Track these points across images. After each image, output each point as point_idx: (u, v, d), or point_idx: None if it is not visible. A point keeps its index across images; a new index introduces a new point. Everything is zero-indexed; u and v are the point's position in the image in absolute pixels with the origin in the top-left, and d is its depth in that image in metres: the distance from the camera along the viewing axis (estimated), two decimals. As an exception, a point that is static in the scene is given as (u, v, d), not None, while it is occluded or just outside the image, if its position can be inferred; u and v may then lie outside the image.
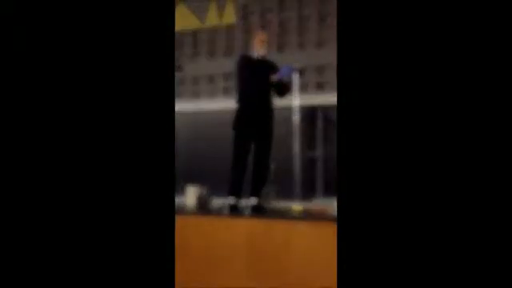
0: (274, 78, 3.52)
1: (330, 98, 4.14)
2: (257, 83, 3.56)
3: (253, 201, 3.52)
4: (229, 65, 4.19)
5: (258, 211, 3.43)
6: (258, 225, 3.07)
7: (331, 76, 4.17)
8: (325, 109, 4.13)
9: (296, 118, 3.60)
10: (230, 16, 4.66)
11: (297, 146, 3.59)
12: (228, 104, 4.06)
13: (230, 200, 3.50)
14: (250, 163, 3.59)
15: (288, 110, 3.66)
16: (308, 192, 3.66)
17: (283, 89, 3.65)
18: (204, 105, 4.37)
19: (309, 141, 3.91)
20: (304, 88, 4.14)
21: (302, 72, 3.67)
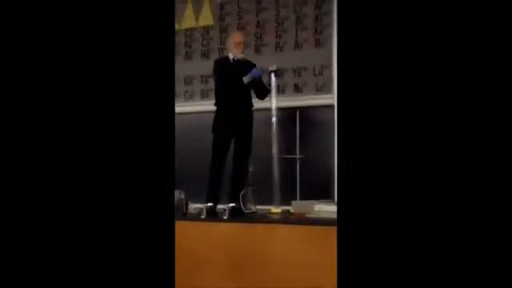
0: (245, 79, 3.51)
1: (308, 100, 4.13)
2: (234, 85, 3.54)
3: (231, 204, 3.48)
4: (206, 67, 4.14)
5: (237, 215, 3.39)
6: (236, 229, 3.04)
7: (309, 77, 4.15)
8: (303, 110, 4.11)
9: (274, 120, 3.58)
10: (207, 18, 4.62)
11: (275, 149, 3.56)
12: (206, 106, 4.02)
13: (208, 204, 3.46)
14: (228, 167, 3.56)
15: (266, 111, 3.63)
16: (287, 195, 3.63)
17: (261, 90, 3.63)
18: (181, 107, 4.30)
19: (287, 143, 3.88)
20: (282, 90, 4.12)
21: (279, 73, 3.65)
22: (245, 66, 3.60)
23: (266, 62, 3.72)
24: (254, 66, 3.60)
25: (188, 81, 4.61)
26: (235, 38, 3.72)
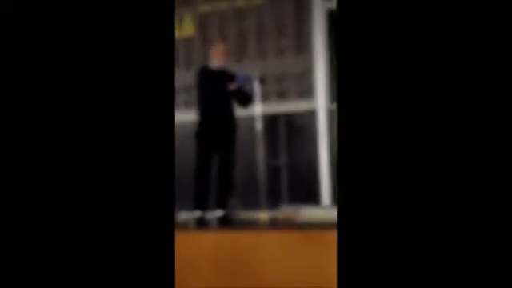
0: (233, 86, 3.53)
1: (291, 106, 4.17)
2: (217, 94, 3.56)
3: (219, 212, 3.49)
4: (188, 77, 4.16)
5: (225, 223, 3.40)
6: (225, 236, 3.05)
7: (291, 84, 4.20)
8: (287, 116, 4.15)
9: (258, 126, 3.61)
10: (189, 28, 4.64)
11: (260, 155, 3.59)
12: (189, 116, 4.03)
13: (196, 213, 3.46)
14: (213, 175, 3.57)
15: (250, 119, 3.66)
16: (273, 200, 3.66)
17: (244, 98, 3.65)
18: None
19: (272, 149, 3.91)
20: (265, 97, 4.16)
21: (263, 81, 3.68)
22: (227, 75, 3.63)
23: (248, 71, 3.75)
24: (234, 76, 3.61)
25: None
26: (218, 47, 3.74)
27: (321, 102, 4.08)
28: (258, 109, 3.62)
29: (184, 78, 4.51)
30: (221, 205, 3.52)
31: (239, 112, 3.69)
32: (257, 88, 3.61)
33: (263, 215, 3.48)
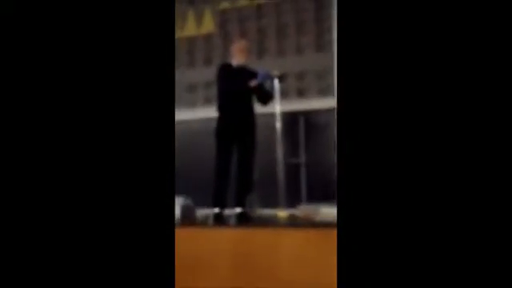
0: (253, 82, 3.52)
1: (311, 104, 4.16)
2: (237, 91, 3.56)
3: (238, 210, 3.50)
4: (209, 74, 4.18)
5: (244, 220, 3.41)
6: (243, 233, 3.05)
7: (311, 82, 4.19)
8: (306, 114, 4.14)
9: (278, 124, 3.60)
10: (209, 25, 4.65)
11: (280, 153, 3.59)
12: (209, 113, 4.04)
13: (215, 210, 3.47)
14: (233, 172, 3.57)
15: (270, 116, 3.66)
16: (292, 198, 3.65)
17: (265, 96, 3.65)
18: (185, 114, 4.33)
19: (291, 147, 3.90)
20: (285, 94, 4.15)
21: (283, 78, 3.66)
22: (248, 72, 3.62)
23: (268, 68, 3.74)
24: (256, 73, 3.60)
25: (192, 88, 4.64)
26: (238, 44, 3.74)
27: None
28: (277, 107, 3.61)
29: (204, 75, 4.53)
30: (239, 202, 3.52)
31: (259, 109, 3.69)
32: (277, 85, 3.59)
33: (282, 213, 3.48)
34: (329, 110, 4.01)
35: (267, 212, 3.64)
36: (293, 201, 3.64)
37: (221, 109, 3.63)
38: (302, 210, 3.54)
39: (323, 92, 4.14)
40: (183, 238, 3.06)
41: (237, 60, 3.66)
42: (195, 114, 4.50)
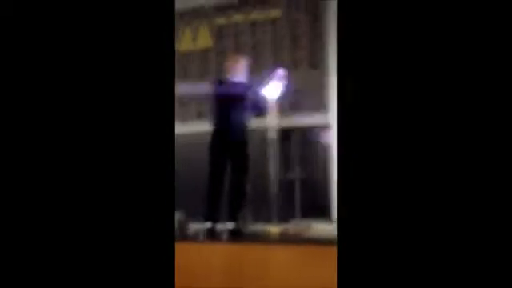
0: (246, 97, 3.55)
1: (305, 119, 4.16)
2: (230, 105, 3.57)
3: (230, 225, 3.48)
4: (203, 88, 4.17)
5: (236, 235, 3.39)
6: (235, 249, 3.03)
7: (306, 97, 4.19)
8: (301, 130, 4.14)
9: (272, 139, 3.60)
10: (205, 40, 4.67)
11: (273, 168, 3.58)
12: (202, 127, 4.04)
13: (207, 224, 3.45)
14: (226, 186, 3.56)
15: (264, 131, 3.66)
16: (285, 214, 3.64)
17: (258, 109, 3.66)
18: (179, 128, 4.32)
19: (285, 163, 3.90)
20: (280, 109, 4.15)
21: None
22: (243, 86, 3.64)
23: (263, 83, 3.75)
24: (250, 87, 3.62)
25: (184, 102, 4.64)
26: (233, 59, 3.76)
27: (335, 116, 4.06)
28: (271, 121, 3.62)
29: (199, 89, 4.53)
30: (232, 217, 3.51)
31: (253, 124, 3.70)
32: (270, 99, 3.61)
33: (274, 229, 3.46)
34: (323, 126, 4.02)
35: (259, 227, 3.62)
36: (286, 216, 3.62)
37: (215, 123, 3.64)
38: (295, 226, 3.53)
39: (317, 107, 4.15)
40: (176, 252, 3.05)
41: (231, 75, 3.68)
42: (189, 127, 4.49)
